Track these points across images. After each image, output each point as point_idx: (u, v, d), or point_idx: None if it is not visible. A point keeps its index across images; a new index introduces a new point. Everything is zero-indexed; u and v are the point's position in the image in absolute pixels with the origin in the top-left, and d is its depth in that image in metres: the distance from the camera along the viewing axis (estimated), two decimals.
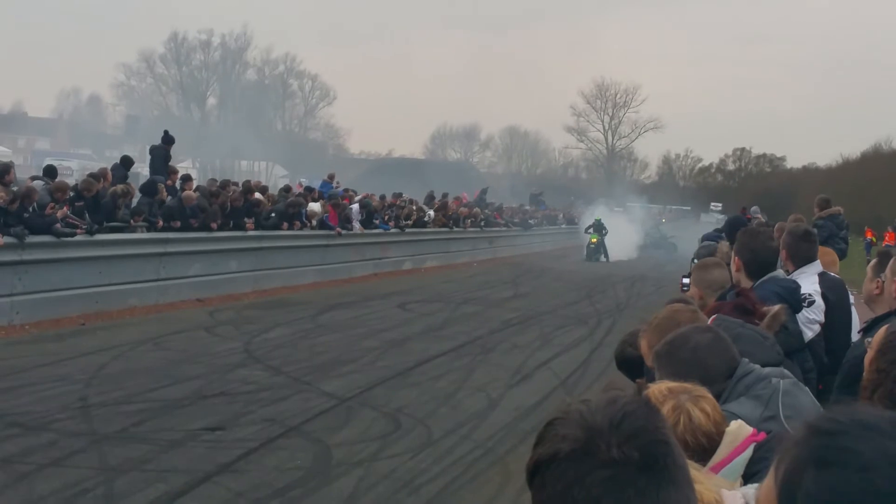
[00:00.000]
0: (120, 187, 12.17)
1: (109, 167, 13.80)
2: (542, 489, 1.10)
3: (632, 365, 3.04)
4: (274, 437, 6.74)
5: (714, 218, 33.98)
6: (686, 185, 61.37)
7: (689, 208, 44.33)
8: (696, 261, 8.74)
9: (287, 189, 18.79)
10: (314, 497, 5.50)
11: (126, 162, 14.22)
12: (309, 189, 19.13)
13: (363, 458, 6.39)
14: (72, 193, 11.56)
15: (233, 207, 14.34)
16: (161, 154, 14.62)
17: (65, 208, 10.91)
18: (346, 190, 20.95)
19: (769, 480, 0.99)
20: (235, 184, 15.91)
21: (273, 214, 15.52)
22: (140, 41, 70.54)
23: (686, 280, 6.57)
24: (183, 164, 17.73)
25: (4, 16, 73.08)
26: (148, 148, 15.48)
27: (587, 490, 1.04)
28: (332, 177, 21.17)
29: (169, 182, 13.78)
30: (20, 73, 79.76)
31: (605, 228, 29.32)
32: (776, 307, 3.24)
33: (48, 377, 8.01)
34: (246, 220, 14.54)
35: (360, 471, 6.09)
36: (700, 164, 64.30)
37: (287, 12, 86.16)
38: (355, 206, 18.96)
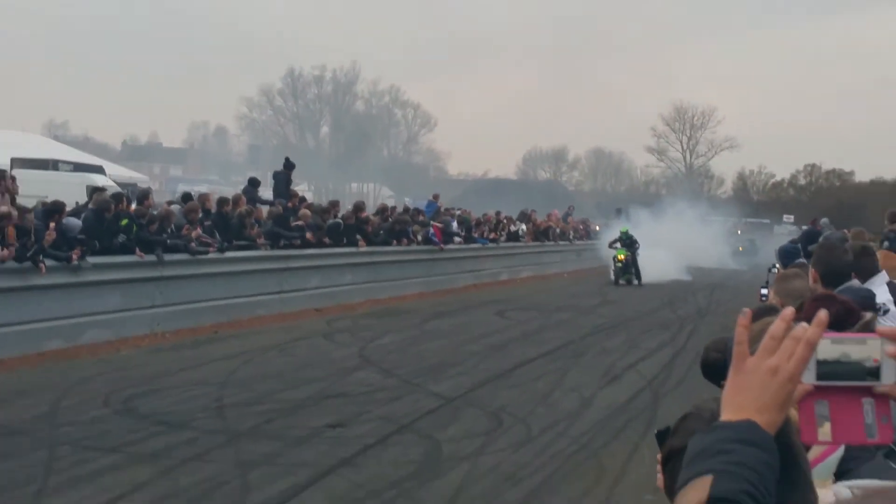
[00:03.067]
0: (245, 208, 12.51)
1: (241, 191, 14.39)
2: (675, 473, 1.14)
3: (715, 370, 2.89)
4: (388, 434, 6.70)
5: (787, 229, 32.55)
6: (760, 199, 60.69)
7: (767, 221, 42.73)
8: (773, 271, 8.45)
9: (407, 210, 19.43)
10: (427, 489, 5.42)
11: (254, 182, 14.72)
12: (417, 210, 19.50)
13: (469, 453, 6.29)
14: (201, 214, 11.97)
15: (346, 225, 14.60)
16: (283, 179, 15.19)
17: (198, 229, 11.28)
18: (447, 209, 21.36)
19: None
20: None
21: (382, 231, 15.74)
22: (260, 77, 79.32)
23: (764, 290, 6.32)
24: (299, 187, 18.35)
25: (138, 57, 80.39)
26: (271, 173, 16.08)
27: None
28: (436, 197, 21.22)
29: (290, 204, 14.08)
30: (154, 108, 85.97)
31: (636, 243, 21.55)
32: (868, 315, 3.11)
33: (187, 381, 8.17)
34: (358, 237, 14.72)
35: (466, 465, 5.98)
36: (773, 180, 63.76)
37: (391, 47, 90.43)
38: (454, 222, 19.29)
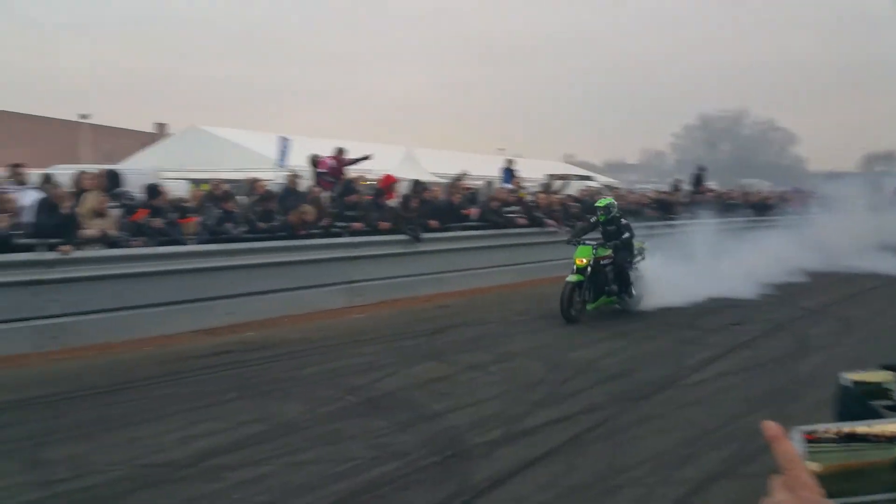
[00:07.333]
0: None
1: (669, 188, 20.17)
2: None
3: None
4: (768, 330, 9.13)
5: None
6: None
7: None
8: None
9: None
10: (798, 363, 7.39)
11: (676, 183, 21.02)
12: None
13: (828, 343, 8.33)
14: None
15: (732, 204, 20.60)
16: (697, 177, 21.11)
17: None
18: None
19: None
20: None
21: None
22: (681, 119, 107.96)
23: None
24: (709, 183, 23.31)
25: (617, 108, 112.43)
26: (691, 175, 21.81)
27: None
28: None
29: (700, 190, 20.36)
30: (623, 139, 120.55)
31: (625, 231, 10.15)
32: None
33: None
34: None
35: (825, 352, 7.97)
36: None
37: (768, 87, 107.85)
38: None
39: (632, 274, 10.20)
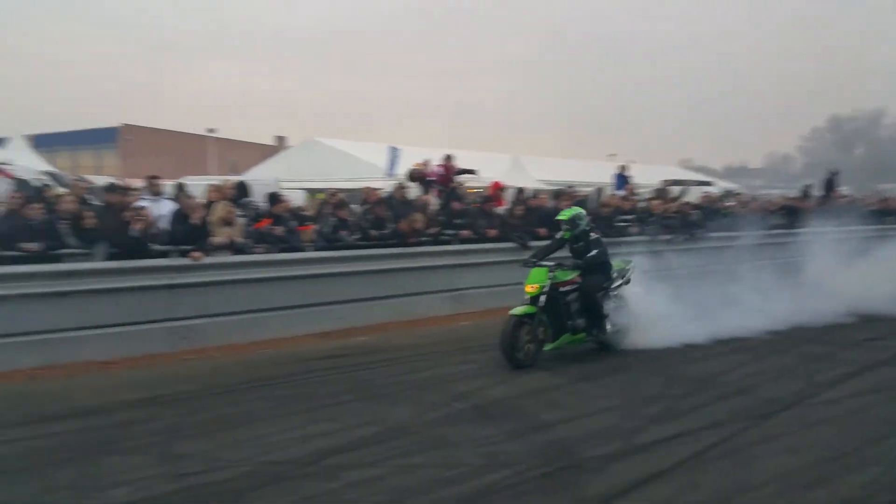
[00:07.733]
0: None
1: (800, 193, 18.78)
2: None
3: None
4: None
5: None
6: None
7: None
8: None
9: None
10: None
11: (807, 190, 19.33)
12: None
13: None
14: None
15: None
16: (830, 181, 19.45)
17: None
18: None
19: None
20: None
21: None
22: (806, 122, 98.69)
23: None
24: (842, 188, 21.05)
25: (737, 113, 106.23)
26: (823, 179, 20.04)
27: None
28: None
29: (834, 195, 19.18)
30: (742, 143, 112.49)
31: (595, 246, 8.04)
32: None
33: None
34: None
35: None
36: None
37: None
38: None
39: (608, 303, 8.12)
